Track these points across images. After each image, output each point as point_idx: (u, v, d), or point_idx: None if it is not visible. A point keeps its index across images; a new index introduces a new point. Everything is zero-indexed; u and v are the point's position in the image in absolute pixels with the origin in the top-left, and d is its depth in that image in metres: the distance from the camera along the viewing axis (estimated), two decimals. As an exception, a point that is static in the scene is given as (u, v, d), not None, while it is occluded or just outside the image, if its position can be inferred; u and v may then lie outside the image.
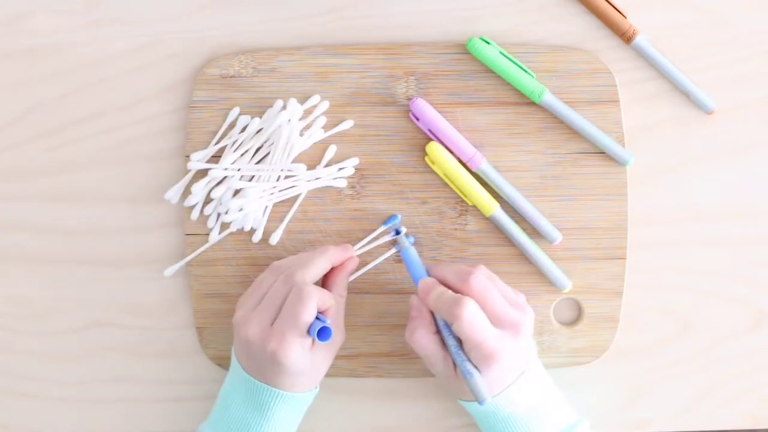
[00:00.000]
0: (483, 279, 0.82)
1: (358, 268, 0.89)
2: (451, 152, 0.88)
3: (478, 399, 0.79)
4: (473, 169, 0.88)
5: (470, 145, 0.88)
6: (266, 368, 0.81)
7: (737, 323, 0.91)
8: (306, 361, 0.81)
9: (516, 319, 0.81)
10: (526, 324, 0.82)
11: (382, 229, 0.89)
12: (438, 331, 0.82)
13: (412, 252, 0.85)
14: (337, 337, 0.84)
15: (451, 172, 0.88)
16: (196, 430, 0.87)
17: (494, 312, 0.81)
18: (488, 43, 0.88)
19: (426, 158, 0.89)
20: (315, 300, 0.81)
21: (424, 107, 0.88)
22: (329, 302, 0.83)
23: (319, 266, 0.84)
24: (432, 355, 0.82)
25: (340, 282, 0.86)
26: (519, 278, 0.90)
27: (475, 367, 0.80)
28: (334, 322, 0.83)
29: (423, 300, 0.82)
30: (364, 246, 0.89)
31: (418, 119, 0.88)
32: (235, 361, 0.84)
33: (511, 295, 0.83)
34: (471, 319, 0.79)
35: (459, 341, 0.81)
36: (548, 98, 0.88)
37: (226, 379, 0.85)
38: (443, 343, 0.82)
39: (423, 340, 0.82)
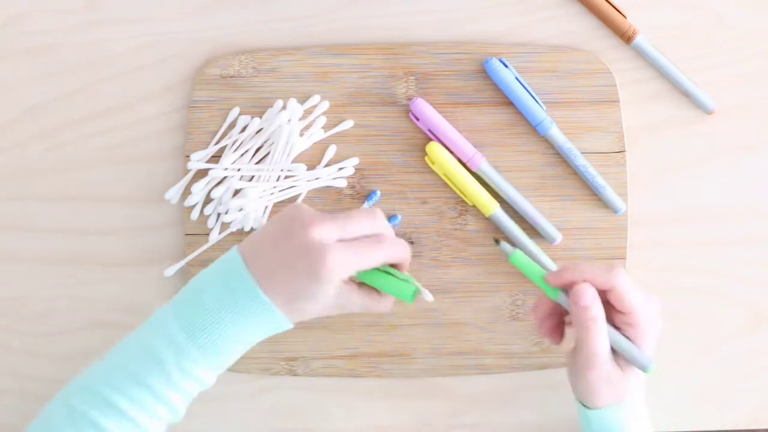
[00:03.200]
0: (626, 273, 0.80)
1: None
2: (451, 152, 0.88)
3: (644, 365, 0.79)
4: (473, 169, 0.88)
5: (470, 145, 0.88)
6: (291, 273, 0.75)
7: (737, 323, 0.91)
8: (335, 294, 0.76)
9: (655, 307, 0.81)
10: (659, 312, 0.82)
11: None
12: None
13: (523, 257, 0.82)
14: (355, 301, 0.78)
15: (451, 172, 0.88)
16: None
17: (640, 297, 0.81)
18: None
19: (426, 158, 0.89)
20: (391, 253, 0.77)
21: (424, 107, 0.88)
22: (402, 257, 0.79)
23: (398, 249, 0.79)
24: (607, 348, 0.79)
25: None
26: (519, 278, 0.89)
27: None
28: (368, 296, 0.79)
29: (564, 276, 0.79)
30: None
31: (418, 119, 0.88)
32: (238, 257, 0.76)
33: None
34: (627, 279, 0.79)
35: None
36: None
37: (211, 267, 0.78)
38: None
39: (605, 329, 0.79)
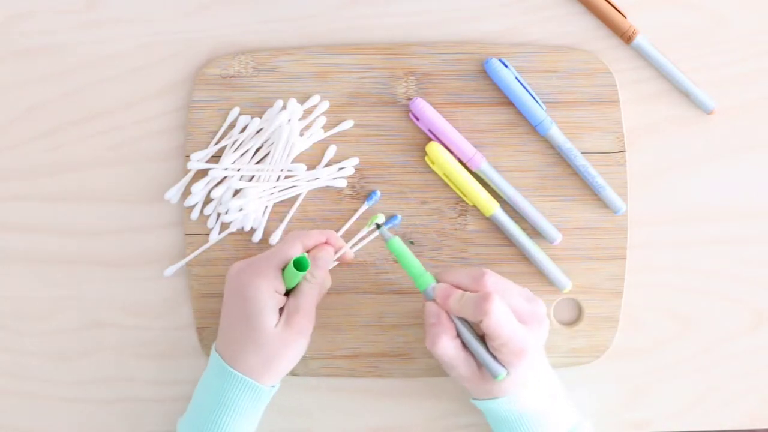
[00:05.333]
0: (496, 277, 0.82)
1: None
2: (451, 152, 0.88)
3: (495, 373, 0.81)
4: (473, 169, 0.88)
5: (470, 145, 0.88)
6: (234, 321, 0.82)
7: (737, 323, 0.91)
8: (272, 309, 0.81)
9: (535, 311, 0.82)
10: (545, 315, 0.83)
11: (382, 228, 0.89)
12: (457, 336, 0.82)
13: (399, 244, 0.83)
14: (305, 321, 0.83)
15: (451, 172, 0.88)
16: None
17: (515, 307, 0.81)
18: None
19: (426, 158, 0.89)
20: (299, 240, 0.83)
21: (424, 107, 0.88)
22: (312, 241, 0.84)
23: (311, 237, 0.84)
24: (455, 360, 0.82)
25: (321, 259, 0.84)
26: (519, 278, 0.89)
27: (501, 365, 0.81)
28: (305, 306, 0.83)
29: (443, 304, 0.82)
30: (357, 243, 0.89)
31: (418, 119, 0.88)
32: (213, 349, 0.84)
33: (520, 291, 0.84)
34: (499, 314, 0.79)
35: (482, 342, 0.82)
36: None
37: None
38: (464, 347, 0.82)
39: (447, 346, 0.81)
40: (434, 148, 0.88)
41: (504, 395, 0.83)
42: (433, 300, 0.82)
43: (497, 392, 0.83)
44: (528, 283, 0.89)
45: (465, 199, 0.89)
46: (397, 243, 0.83)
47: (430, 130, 0.88)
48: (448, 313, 0.82)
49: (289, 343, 0.82)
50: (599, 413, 0.91)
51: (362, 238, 0.89)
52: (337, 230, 0.89)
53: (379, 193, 0.89)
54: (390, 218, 0.89)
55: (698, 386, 0.92)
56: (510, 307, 0.81)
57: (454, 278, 0.83)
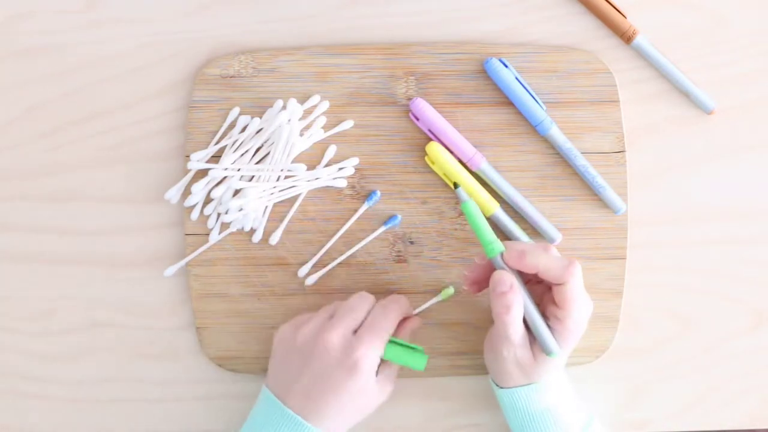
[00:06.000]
0: (579, 270, 0.82)
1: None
2: (451, 152, 0.88)
3: (549, 350, 0.81)
4: (473, 169, 0.88)
5: (470, 145, 0.88)
6: (331, 384, 0.80)
7: (737, 323, 0.91)
8: (372, 380, 0.82)
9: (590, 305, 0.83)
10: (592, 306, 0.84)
11: (382, 229, 0.89)
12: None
13: (474, 208, 0.83)
14: (384, 389, 0.84)
15: (451, 172, 0.88)
16: None
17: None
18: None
19: (426, 158, 0.89)
20: (397, 314, 0.83)
21: (423, 107, 0.88)
22: (408, 310, 0.85)
23: (403, 306, 0.85)
24: (518, 333, 0.81)
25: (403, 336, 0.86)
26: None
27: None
28: (388, 377, 0.84)
29: (518, 262, 0.81)
30: (363, 245, 0.89)
31: (418, 119, 0.88)
32: (272, 397, 0.82)
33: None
34: (580, 282, 0.81)
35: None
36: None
37: (252, 416, 0.83)
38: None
39: (519, 317, 0.81)
40: (434, 148, 0.88)
41: (539, 380, 0.83)
42: (503, 269, 0.82)
43: (537, 376, 0.83)
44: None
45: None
46: (472, 207, 0.82)
47: (430, 130, 0.88)
48: (519, 283, 0.82)
49: (370, 408, 0.84)
50: (599, 413, 0.91)
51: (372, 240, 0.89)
52: (337, 230, 0.89)
53: (379, 193, 0.89)
54: (390, 218, 0.89)
55: (698, 386, 0.92)
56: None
57: (540, 263, 0.81)
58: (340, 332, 0.81)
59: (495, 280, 0.81)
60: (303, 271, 0.90)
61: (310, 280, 0.90)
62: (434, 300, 0.89)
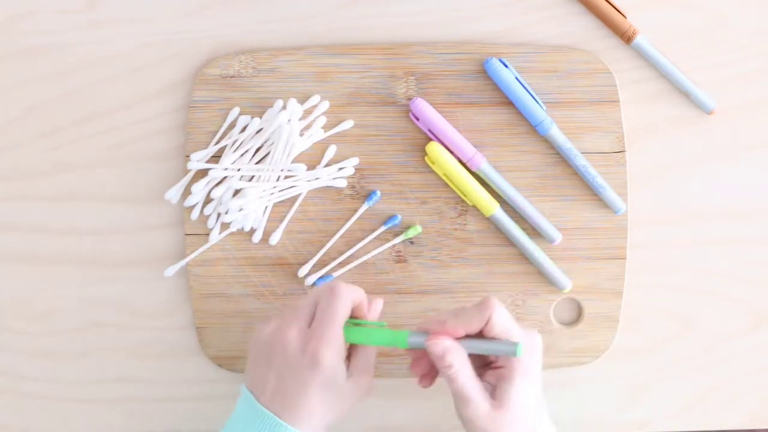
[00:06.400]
0: (495, 300, 0.80)
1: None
2: (451, 152, 0.88)
3: (512, 351, 0.77)
4: (473, 169, 0.88)
5: (470, 145, 0.88)
6: (298, 382, 0.78)
7: (737, 323, 0.91)
8: (340, 371, 0.79)
9: (530, 334, 0.80)
10: (539, 341, 0.81)
11: (382, 229, 0.89)
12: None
13: (354, 333, 0.81)
14: (362, 382, 0.81)
15: (451, 172, 0.88)
16: None
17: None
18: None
19: (426, 158, 0.89)
20: (348, 295, 0.80)
21: (424, 107, 0.88)
22: (361, 295, 0.81)
23: (354, 290, 0.82)
24: (473, 389, 0.78)
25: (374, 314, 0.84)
26: (519, 278, 0.90)
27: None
28: (362, 367, 0.81)
29: (450, 328, 0.78)
30: (364, 245, 0.89)
31: (418, 119, 0.88)
32: (249, 395, 0.80)
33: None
34: (502, 310, 0.78)
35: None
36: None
37: (231, 418, 0.81)
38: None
39: (467, 374, 0.78)
40: (434, 148, 0.88)
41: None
42: (423, 347, 0.79)
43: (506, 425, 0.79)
44: (528, 284, 0.89)
45: (465, 199, 0.89)
46: (357, 334, 0.81)
47: (430, 130, 0.88)
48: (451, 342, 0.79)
49: (351, 402, 0.81)
50: (599, 413, 0.91)
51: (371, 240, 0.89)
52: (337, 230, 0.89)
53: (379, 193, 0.89)
54: (390, 218, 0.89)
55: (698, 386, 0.92)
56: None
57: (453, 326, 0.79)
58: (295, 328, 0.79)
59: (429, 349, 0.78)
60: (303, 271, 0.90)
61: (310, 280, 0.90)
62: (401, 238, 0.88)
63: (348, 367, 0.80)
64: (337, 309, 0.79)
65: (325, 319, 0.79)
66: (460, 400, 0.79)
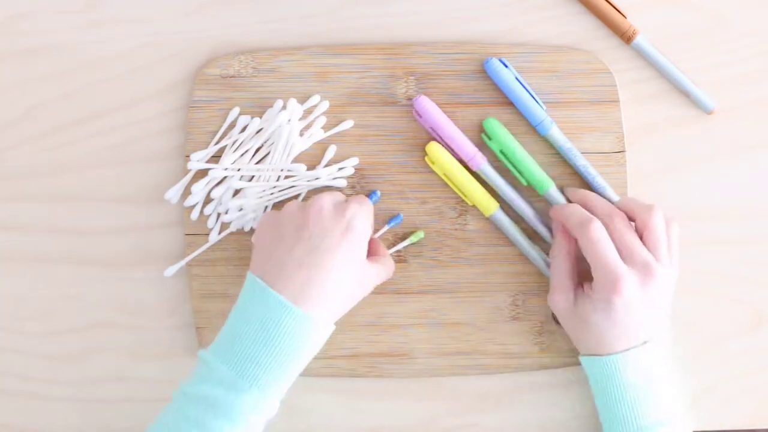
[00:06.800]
0: (623, 221, 0.83)
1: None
2: (452, 151, 0.88)
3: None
4: (474, 169, 0.88)
5: (471, 145, 0.88)
6: (325, 247, 0.79)
7: (737, 323, 0.91)
8: (364, 249, 0.82)
9: (648, 260, 0.81)
10: (660, 273, 0.81)
11: (385, 228, 0.89)
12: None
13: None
14: (390, 264, 0.86)
15: (451, 171, 0.88)
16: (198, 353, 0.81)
17: (625, 244, 0.82)
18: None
19: (426, 158, 0.89)
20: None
21: (427, 105, 0.88)
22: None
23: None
24: (565, 286, 0.84)
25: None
26: (519, 278, 0.90)
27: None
28: (383, 259, 0.86)
29: (559, 213, 0.85)
30: None
31: (420, 116, 0.88)
32: (257, 281, 0.79)
33: (663, 250, 0.83)
34: (598, 237, 0.81)
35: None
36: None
37: (239, 302, 0.80)
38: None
39: (564, 271, 0.84)
40: (434, 148, 0.87)
41: (604, 352, 0.82)
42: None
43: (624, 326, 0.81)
44: (528, 284, 0.89)
45: (465, 199, 0.89)
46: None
47: (432, 128, 0.88)
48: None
49: (363, 289, 0.83)
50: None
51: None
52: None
53: (379, 193, 0.89)
54: (392, 218, 0.89)
55: (698, 386, 0.92)
56: (619, 241, 0.82)
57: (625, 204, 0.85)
58: (328, 199, 0.82)
59: (568, 213, 0.84)
60: (303, 271, 0.90)
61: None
62: (405, 243, 0.89)
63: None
64: (367, 200, 0.84)
65: (360, 198, 0.84)
66: (550, 286, 0.85)
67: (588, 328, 0.82)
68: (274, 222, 0.83)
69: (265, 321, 0.77)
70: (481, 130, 0.89)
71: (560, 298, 0.84)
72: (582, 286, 0.84)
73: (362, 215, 0.81)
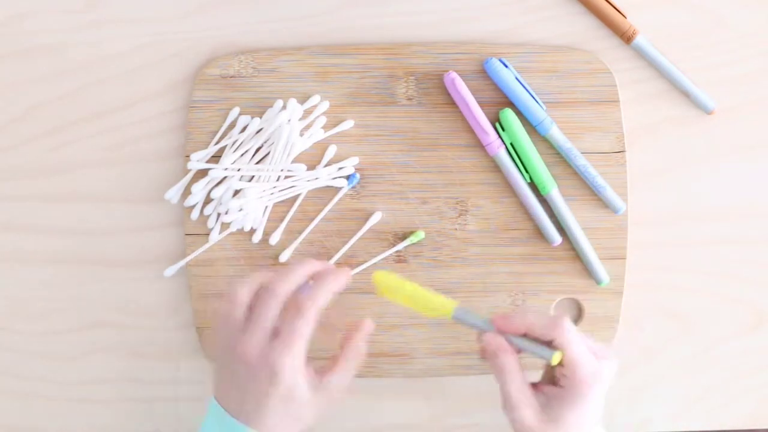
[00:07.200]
0: (570, 323, 0.80)
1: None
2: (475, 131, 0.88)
3: (548, 357, 0.78)
4: (490, 154, 0.88)
5: (493, 131, 0.88)
6: (259, 393, 0.77)
7: (737, 323, 0.91)
8: (302, 385, 0.78)
9: (603, 353, 0.80)
10: (614, 365, 0.81)
11: (344, 190, 0.89)
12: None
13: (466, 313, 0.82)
14: (331, 395, 0.80)
15: (401, 293, 0.83)
16: None
17: (587, 342, 0.80)
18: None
19: (376, 291, 0.84)
20: (314, 313, 0.78)
21: (457, 82, 0.87)
22: (339, 283, 0.81)
23: (298, 274, 0.81)
24: (523, 396, 0.80)
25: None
26: (519, 278, 0.90)
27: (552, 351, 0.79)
28: (336, 383, 0.80)
29: (504, 325, 0.80)
30: (379, 259, 0.89)
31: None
32: (217, 406, 0.80)
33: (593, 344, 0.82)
34: (574, 333, 0.78)
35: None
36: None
37: (203, 427, 0.81)
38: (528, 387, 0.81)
39: (517, 380, 0.80)
40: (380, 278, 0.84)
41: None
42: (476, 327, 0.81)
43: None
44: (528, 283, 0.90)
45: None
46: (390, 281, 0.82)
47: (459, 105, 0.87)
48: (506, 341, 0.80)
49: (317, 410, 0.80)
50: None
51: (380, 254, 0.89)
52: (337, 229, 0.89)
53: (358, 176, 0.89)
54: (409, 235, 0.89)
55: (698, 386, 0.92)
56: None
57: (522, 321, 0.80)
58: (253, 342, 0.77)
59: (487, 344, 0.80)
60: (303, 271, 0.90)
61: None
62: (405, 243, 0.89)
63: (322, 379, 0.79)
64: (301, 328, 0.78)
65: (290, 331, 0.77)
66: (506, 404, 0.80)
67: (558, 424, 0.80)
68: (217, 342, 0.80)
69: None
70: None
71: (527, 412, 0.79)
72: (536, 390, 0.81)
73: (288, 358, 0.76)
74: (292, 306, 0.78)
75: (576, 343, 0.79)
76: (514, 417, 0.80)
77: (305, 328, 0.78)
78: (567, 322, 0.79)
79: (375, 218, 0.89)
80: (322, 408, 0.79)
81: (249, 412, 0.78)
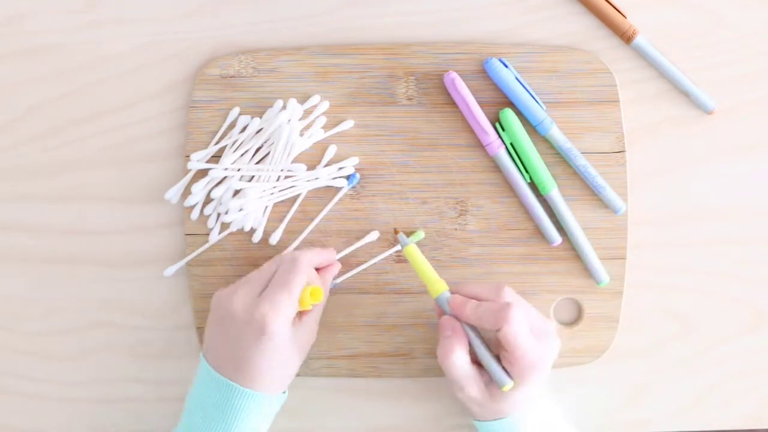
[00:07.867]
0: (513, 292, 0.82)
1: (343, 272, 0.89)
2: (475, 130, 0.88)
3: (501, 383, 0.81)
4: (490, 154, 0.88)
5: (492, 130, 0.88)
6: (244, 348, 0.80)
7: (737, 323, 0.91)
8: (287, 337, 0.80)
9: (548, 330, 0.82)
10: (556, 335, 0.83)
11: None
12: (470, 350, 0.82)
13: (415, 250, 0.83)
14: (309, 336, 0.84)
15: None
16: None
17: (530, 322, 0.81)
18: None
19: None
20: (306, 265, 0.82)
21: (457, 82, 0.87)
22: (327, 257, 0.86)
23: (317, 255, 0.85)
24: (465, 374, 0.81)
25: (328, 281, 0.87)
26: (519, 278, 0.90)
27: (509, 376, 0.81)
28: (309, 323, 0.84)
29: (459, 313, 0.82)
30: (375, 259, 0.89)
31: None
32: (204, 362, 0.82)
33: (534, 309, 0.84)
34: (518, 323, 0.79)
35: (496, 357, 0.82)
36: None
37: (193, 385, 0.83)
38: (474, 363, 0.82)
39: (460, 358, 0.81)
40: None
41: (508, 415, 0.82)
42: (447, 312, 0.82)
43: (503, 411, 0.82)
44: (528, 283, 0.89)
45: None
46: (413, 249, 0.83)
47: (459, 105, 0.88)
48: (461, 326, 0.82)
49: (301, 355, 0.83)
50: (599, 413, 0.91)
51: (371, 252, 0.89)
52: (337, 229, 0.89)
53: (358, 176, 0.89)
54: (408, 236, 0.89)
55: (698, 386, 0.92)
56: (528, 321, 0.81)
57: (471, 290, 0.83)
58: (240, 296, 0.81)
59: (440, 325, 0.82)
60: (303, 271, 0.90)
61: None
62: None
63: (300, 321, 0.83)
64: (293, 279, 0.81)
65: (278, 287, 0.80)
66: (452, 384, 0.82)
67: (504, 401, 0.82)
68: (212, 304, 0.83)
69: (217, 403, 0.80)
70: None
71: (474, 389, 0.81)
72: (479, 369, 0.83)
73: (275, 312, 0.79)
74: (286, 260, 0.82)
75: (520, 334, 0.79)
76: (460, 396, 0.83)
77: (295, 277, 0.81)
78: (512, 311, 0.79)
79: (372, 236, 0.89)
80: (305, 350, 0.83)
81: (236, 367, 0.80)
